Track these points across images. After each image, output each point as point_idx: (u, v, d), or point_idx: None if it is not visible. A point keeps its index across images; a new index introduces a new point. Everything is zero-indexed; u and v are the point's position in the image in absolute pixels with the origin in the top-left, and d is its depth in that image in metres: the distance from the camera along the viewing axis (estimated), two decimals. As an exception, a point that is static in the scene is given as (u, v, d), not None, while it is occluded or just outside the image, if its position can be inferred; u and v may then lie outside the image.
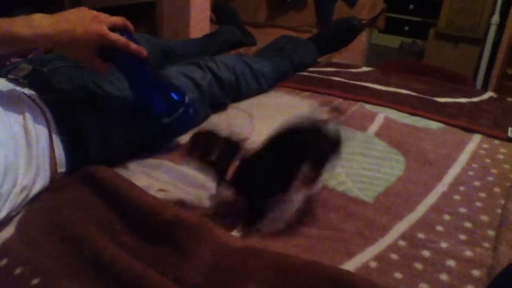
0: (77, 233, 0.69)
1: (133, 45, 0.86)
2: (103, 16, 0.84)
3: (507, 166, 1.01)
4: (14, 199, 0.75)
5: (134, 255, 0.65)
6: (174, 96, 0.96)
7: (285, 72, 1.48)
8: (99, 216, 0.74)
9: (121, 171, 0.88)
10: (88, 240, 0.67)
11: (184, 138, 1.05)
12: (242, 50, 1.74)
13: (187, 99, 0.98)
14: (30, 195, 0.80)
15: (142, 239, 0.70)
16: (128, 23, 0.88)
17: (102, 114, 0.93)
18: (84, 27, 0.81)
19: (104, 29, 0.82)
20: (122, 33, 0.86)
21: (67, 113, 0.89)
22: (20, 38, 0.76)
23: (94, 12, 0.84)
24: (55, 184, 0.85)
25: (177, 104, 0.96)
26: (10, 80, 0.90)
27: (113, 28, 0.84)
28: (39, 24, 0.78)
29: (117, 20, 0.86)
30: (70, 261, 0.65)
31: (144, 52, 0.88)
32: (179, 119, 0.96)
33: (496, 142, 1.13)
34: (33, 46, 0.81)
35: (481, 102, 1.40)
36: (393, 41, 4.24)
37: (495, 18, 2.86)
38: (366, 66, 1.75)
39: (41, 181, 0.82)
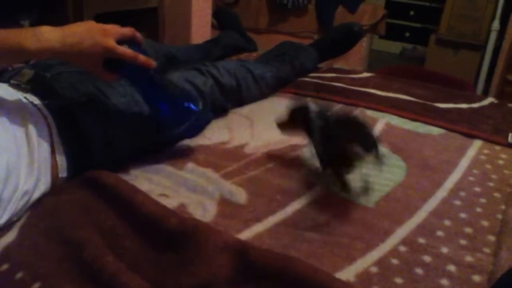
0: (78, 238, 0.69)
1: (142, 58, 0.85)
2: (110, 28, 0.84)
3: (507, 171, 1.02)
4: (15, 204, 0.76)
5: (136, 260, 0.66)
6: (186, 104, 0.95)
7: (286, 77, 1.49)
8: (100, 221, 0.74)
9: (122, 176, 0.88)
10: (89, 245, 0.67)
11: (186, 144, 1.05)
12: (243, 56, 1.75)
13: (200, 106, 0.96)
14: (31, 200, 0.80)
15: (144, 245, 0.70)
16: (137, 34, 0.88)
17: (104, 119, 0.93)
18: (92, 41, 0.81)
19: (111, 43, 0.82)
20: (130, 45, 0.85)
21: (69, 118, 0.90)
22: (27, 51, 0.76)
23: (102, 25, 0.84)
24: (57, 189, 0.85)
25: (190, 112, 0.95)
26: (13, 86, 0.90)
27: (121, 40, 0.84)
28: (46, 38, 0.78)
29: (126, 31, 0.86)
30: (71, 265, 0.65)
31: (153, 63, 0.88)
32: (191, 126, 0.96)
33: (497, 147, 1.13)
34: (39, 59, 0.81)
35: (481, 107, 1.40)
36: (394, 47, 4.25)
37: (496, 25, 2.87)
38: (367, 71, 1.76)
39: (42, 186, 0.82)
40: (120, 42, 0.84)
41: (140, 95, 0.94)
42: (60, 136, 0.87)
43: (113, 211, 0.76)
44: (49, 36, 0.78)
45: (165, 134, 1.01)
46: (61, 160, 0.87)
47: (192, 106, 0.95)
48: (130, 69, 0.87)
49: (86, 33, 0.81)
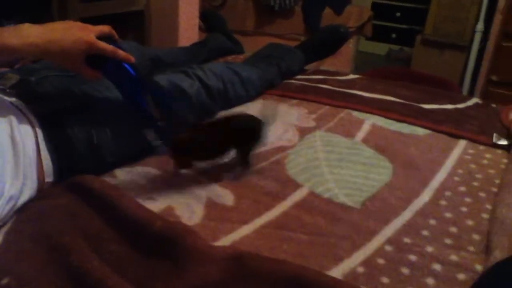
0: (64, 243, 0.68)
1: (121, 52, 0.87)
2: (90, 26, 0.86)
3: (492, 171, 1.03)
4: (1, 209, 0.75)
5: (123, 264, 0.65)
6: (167, 99, 0.96)
7: (272, 79, 1.49)
8: (86, 225, 0.74)
9: (109, 180, 0.88)
10: (74, 250, 0.67)
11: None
12: (230, 58, 1.75)
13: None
14: (17, 206, 0.79)
15: (131, 249, 0.70)
16: (113, 32, 0.90)
17: (90, 123, 0.93)
18: (73, 37, 0.82)
19: (92, 37, 0.84)
20: (109, 42, 0.87)
21: (54, 122, 0.89)
22: (9, 47, 0.77)
23: (81, 23, 0.86)
24: (43, 193, 0.85)
25: (171, 108, 0.95)
26: (-3, 90, 0.90)
27: (100, 36, 0.86)
28: (27, 34, 0.79)
29: (104, 28, 0.88)
30: (57, 270, 0.65)
31: (132, 58, 0.89)
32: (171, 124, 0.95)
33: (481, 147, 1.15)
34: (22, 56, 0.82)
35: (466, 108, 1.42)
36: (381, 48, 4.28)
37: (480, 26, 2.91)
38: (354, 73, 1.77)
39: (28, 191, 0.82)
40: (99, 38, 0.85)
41: (121, 92, 0.94)
42: (45, 140, 0.87)
43: (99, 215, 0.76)
44: (31, 32, 0.80)
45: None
46: (47, 165, 0.86)
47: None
48: (111, 66, 0.88)
49: (67, 29, 0.83)
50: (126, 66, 0.89)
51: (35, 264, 0.67)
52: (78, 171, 0.88)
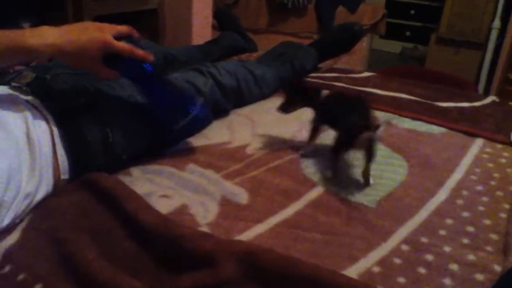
0: (77, 240, 0.69)
1: (139, 52, 0.87)
2: (107, 25, 0.87)
3: (509, 170, 1.01)
4: (18, 207, 0.76)
5: (134, 262, 0.66)
6: (186, 99, 0.97)
7: (286, 77, 1.48)
8: (99, 223, 0.74)
9: (123, 178, 0.88)
10: (87, 248, 0.67)
11: (187, 144, 1.05)
12: (243, 56, 1.75)
13: (199, 101, 0.97)
14: (34, 203, 0.80)
15: (141, 248, 0.70)
16: (134, 31, 0.90)
17: (104, 120, 0.93)
18: (90, 36, 0.84)
19: (109, 37, 0.85)
20: (127, 41, 0.87)
21: (69, 120, 0.90)
22: (30, 48, 0.80)
23: (98, 23, 0.87)
24: (58, 190, 0.85)
25: (189, 107, 0.95)
26: (13, 88, 0.91)
27: (119, 37, 0.86)
28: (46, 35, 0.81)
29: (122, 28, 0.88)
30: (71, 266, 0.65)
31: (151, 57, 0.89)
32: (189, 123, 0.96)
33: (499, 146, 1.13)
34: (41, 56, 0.84)
35: (483, 106, 1.40)
36: (394, 46, 4.25)
37: (496, 23, 2.86)
38: (367, 71, 1.76)
39: (44, 188, 0.82)
40: (117, 38, 0.86)
41: (139, 91, 0.95)
42: (61, 137, 0.87)
43: (112, 214, 0.76)
44: (49, 33, 0.82)
45: (165, 131, 1.00)
46: (63, 162, 0.87)
47: (191, 101, 0.96)
48: (129, 65, 0.88)
49: (84, 30, 0.84)
50: (144, 65, 0.89)
51: (50, 259, 0.67)
52: (92, 168, 0.89)
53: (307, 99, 1.02)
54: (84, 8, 1.92)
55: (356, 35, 1.70)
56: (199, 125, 1.02)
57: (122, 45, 0.86)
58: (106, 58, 0.86)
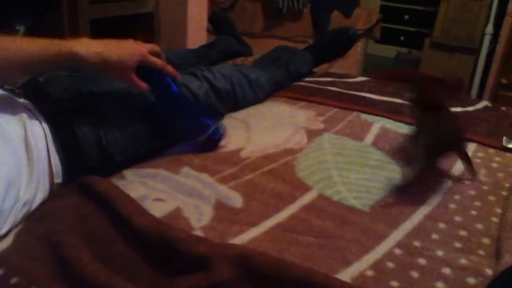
0: (71, 244, 0.69)
1: (169, 68, 0.97)
2: (142, 42, 0.94)
3: (501, 174, 1.02)
4: (16, 215, 0.75)
5: (129, 265, 0.66)
6: (204, 118, 1.02)
7: (281, 82, 1.49)
8: (93, 226, 0.74)
9: (117, 181, 0.88)
10: (81, 251, 0.67)
11: (182, 149, 1.05)
12: (238, 60, 1.76)
13: (216, 122, 1.04)
14: (31, 209, 0.80)
15: (136, 252, 0.70)
16: (160, 51, 0.98)
17: (98, 123, 0.93)
18: (129, 49, 0.91)
19: (145, 51, 0.92)
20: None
21: (63, 123, 0.90)
22: (78, 55, 0.85)
23: (133, 40, 0.94)
24: (52, 194, 0.85)
25: (206, 126, 1.01)
26: (6, 91, 0.90)
27: (150, 52, 0.94)
28: (90, 44, 0.87)
29: (154, 46, 0.97)
30: (64, 270, 0.65)
31: (178, 74, 0.99)
32: (207, 140, 1.03)
33: (491, 151, 1.14)
34: (86, 64, 0.87)
35: (476, 111, 1.41)
36: (389, 51, 4.26)
37: (489, 28, 2.89)
38: (362, 76, 1.77)
39: (41, 195, 0.82)
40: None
41: (162, 103, 1.00)
42: (54, 141, 0.87)
43: (105, 218, 0.76)
44: (92, 43, 0.88)
45: (162, 141, 1.02)
46: (57, 166, 0.87)
47: (208, 120, 1.02)
48: (157, 79, 0.96)
49: (123, 43, 0.92)
50: (170, 82, 0.98)
51: (44, 263, 0.67)
52: (87, 171, 0.89)
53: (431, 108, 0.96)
54: (80, 11, 1.92)
55: (350, 39, 1.71)
56: (214, 143, 1.04)
57: (156, 59, 0.94)
58: (139, 70, 0.92)
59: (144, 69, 0.93)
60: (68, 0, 1.86)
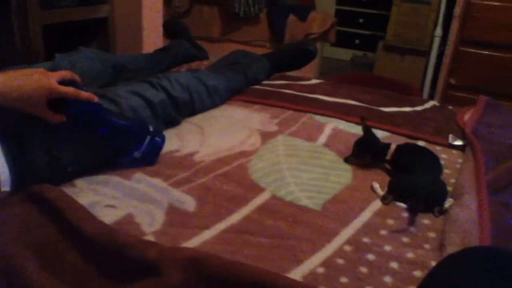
0: (16, 253, 0.67)
1: (83, 93, 0.90)
2: (50, 72, 0.87)
3: (448, 171, 1.06)
4: None
5: (78, 274, 0.64)
6: (137, 131, 0.99)
7: (239, 88, 1.50)
8: (41, 235, 0.73)
9: (67, 189, 0.87)
10: (26, 261, 0.66)
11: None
12: (194, 64, 1.75)
13: (150, 129, 1.01)
14: None
15: (85, 259, 0.69)
16: (75, 76, 0.92)
17: (49, 135, 0.91)
18: (34, 83, 0.84)
19: (53, 82, 0.86)
20: (70, 85, 0.89)
21: (12, 131, 0.87)
22: None
23: (42, 69, 0.87)
24: (0, 203, 0.83)
25: (141, 136, 0.98)
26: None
27: (61, 81, 0.88)
28: None
29: (65, 73, 0.90)
30: (10, 280, 0.63)
31: (95, 98, 0.92)
32: (149, 150, 0.99)
33: (438, 148, 1.18)
34: None
35: (424, 110, 1.46)
36: (345, 54, 4.35)
37: (438, 31, 3.00)
38: (320, 79, 1.80)
39: None
40: (60, 83, 0.87)
41: (88, 131, 0.96)
42: (2, 149, 0.85)
43: (54, 226, 0.74)
44: None
45: (114, 156, 1.01)
46: (4, 174, 0.84)
47: (139, 130, 0.99)
48: (75, 107, 0.90)
49: (28, 76, 0.84)
50: (90, 105, 0.91)
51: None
52: (36, 180, 0.87)
53: (377, 155, 1.06)
54: (30, 17, 1.86)
55: (310, 54, 1.74)
56: (154, 155, 1.02)
57: (66, 89, 0.87)
58: (52, 102, 0.86)
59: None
60: (18, 5, 1.81)
